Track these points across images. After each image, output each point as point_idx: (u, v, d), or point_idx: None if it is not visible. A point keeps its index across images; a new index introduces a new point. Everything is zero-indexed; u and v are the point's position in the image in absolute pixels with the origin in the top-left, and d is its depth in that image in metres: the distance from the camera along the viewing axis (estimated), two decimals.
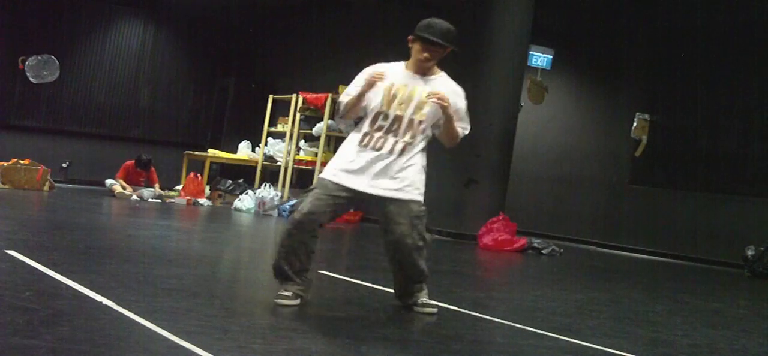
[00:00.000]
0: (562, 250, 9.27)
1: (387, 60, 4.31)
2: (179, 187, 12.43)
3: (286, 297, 3.99)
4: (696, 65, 10.72)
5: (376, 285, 5.15)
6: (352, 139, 4.21)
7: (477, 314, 4.47)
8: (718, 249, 9.93)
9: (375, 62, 4.29)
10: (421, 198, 4.10)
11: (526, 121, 11.24)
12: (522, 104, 10.90)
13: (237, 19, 15.45)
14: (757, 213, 9.86)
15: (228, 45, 15.62)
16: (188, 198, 11.76)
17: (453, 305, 4.62)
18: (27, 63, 13.12)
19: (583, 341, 3.93)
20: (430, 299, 4.30)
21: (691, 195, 10.54)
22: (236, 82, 15.01)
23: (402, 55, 4.32)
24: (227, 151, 13.80)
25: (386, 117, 4.12)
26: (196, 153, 13.47)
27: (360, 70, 4.28)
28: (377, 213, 4.16)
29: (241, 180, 12.84)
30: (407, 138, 4.11)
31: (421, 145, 4.16)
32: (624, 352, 3.75)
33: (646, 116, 10.97)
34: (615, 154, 11.43)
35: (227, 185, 12.81)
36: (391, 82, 4.15)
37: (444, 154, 12.30)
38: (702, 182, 10.49)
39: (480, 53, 10.19)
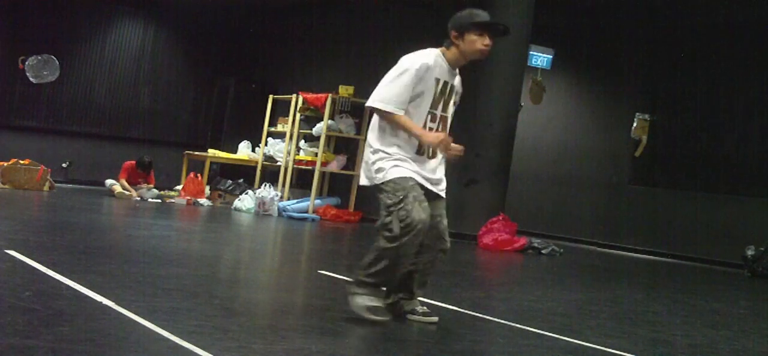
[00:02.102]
0: (562, 250, 9.27)
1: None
2: (179, 187, 12.43)
3: (381, 311, 3.79)
4: (696, 65, 10.72)
5: None
6: (402, 139, 3.87)
7: (477, 314, 4.47)
8: (718, 249, 9.92)
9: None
10: None
11: (526, 121, 11.23)
12: (522, 104, 10.90)
13: (237, 19, 15.44)
14: (757, 213, 9.86)
15: (228, 45, 15.61)
16: (188, 198, 11.76)
17: (453, 305, 4.62)
18: (27, 63, 13.11)
19: (583, 341, 3.93)
20: (431, 299, 4.30)
21: (691, 195, 10.54)
22: (236, 82, 15.00)
23: (408, 53, 4.06)
24: (227, 151, 13.79)
25: (434, 118, 3.94)
26: (196, 153, 13.46)
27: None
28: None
29: (241, 181, 12.83)
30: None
31: None
32: (624, 352, 3.75)
33: (646, 116, 10.97)
34: (615, 154, 11.43)
35: (227, 185, 12.80)
36: (438, 76, 3.90)
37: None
38: (702, 182, 10.49)
39: None
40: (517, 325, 4.19)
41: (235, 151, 13.80)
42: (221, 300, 4.25)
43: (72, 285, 3.89)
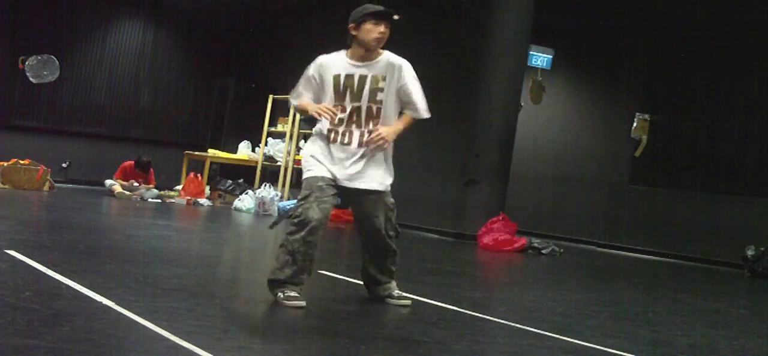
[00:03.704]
0: (562, 250, 9.27)
1: None
2: (179, 187, 12.43)
3: (295, 298, 4.01)
4: (696, 65, 10.72)
5: None
6: (320, 134, 4.33)
7: (477, 314, 4.47)
8: (718, 249, 9.92)
9: None
10: (388, 189, 4.24)
11: (526, 121, 11.23)
12: (522, 104, 10.90)
13: (237, 19, 15.44)
14: (757, 213, 9.86)
15: (228, 45, 15.61)
16: (188, 198, 11.76)
17: (453, 305, 4.62)
18: (27, 63, 13.11)
19: (583, 341, 3.92)
20: (431, 299, 4.30)
21: (691, 195, 10.54)
22: (236, 82, 15.01)
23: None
24: (227, 151, 13.79)
25: (344, 109, 4.21)
26: (196, 153, 13.47)
27: None
28: (352, 205, 4.29)
29: (241, 181, 12.84)
30: (371, 126, 4.19)
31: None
32: (624, 352, 3.74)
33: (646, 116, 10.98)
34: (615, 154, 11.43)
35: (227, 185, 12.81)
36: (337, 72, 4.24)
37: (444, 154, 12.23)
38: (702, 182, 10.49)
39: (480, 53, 10.18)
40: (517, 325, 4.19)
41: (235, 151, 13.80)
42: (221, 300, 4.25)
43: (72, 285, 3.89)
